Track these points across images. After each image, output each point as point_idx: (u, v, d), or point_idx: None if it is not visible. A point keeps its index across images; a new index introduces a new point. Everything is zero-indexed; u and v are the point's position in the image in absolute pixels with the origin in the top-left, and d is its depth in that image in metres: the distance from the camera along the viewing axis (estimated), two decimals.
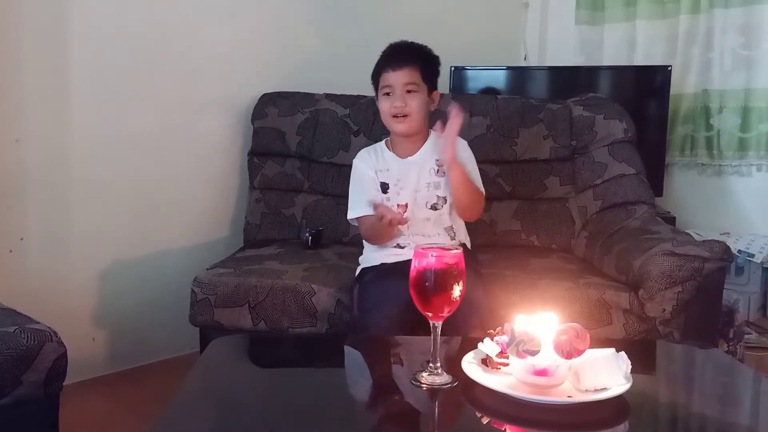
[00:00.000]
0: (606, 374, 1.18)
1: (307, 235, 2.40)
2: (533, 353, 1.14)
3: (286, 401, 1.24)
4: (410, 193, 1.94)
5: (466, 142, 2.03)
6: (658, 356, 1.66)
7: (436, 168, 1.95)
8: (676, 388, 1.43)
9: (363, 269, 1.97)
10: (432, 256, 1.21)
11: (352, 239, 2.42)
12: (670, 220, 2.73)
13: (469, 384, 1.20)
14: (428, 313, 1.23)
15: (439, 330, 1.24)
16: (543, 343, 1.14)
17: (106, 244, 2.42)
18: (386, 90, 1.91)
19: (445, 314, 1.24)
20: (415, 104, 1.90)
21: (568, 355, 1.14)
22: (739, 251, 2.96)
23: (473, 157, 2.01)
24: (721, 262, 1.98)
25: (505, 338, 1.22)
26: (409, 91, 1.89)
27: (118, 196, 2.43)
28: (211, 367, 1.43)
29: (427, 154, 1.97)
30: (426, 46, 1.98)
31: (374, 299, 1.81)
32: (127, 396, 2.30)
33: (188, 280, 2.06)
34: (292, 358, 1.58)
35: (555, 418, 1.15)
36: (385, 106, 1.92)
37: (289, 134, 2.59)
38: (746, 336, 2.98)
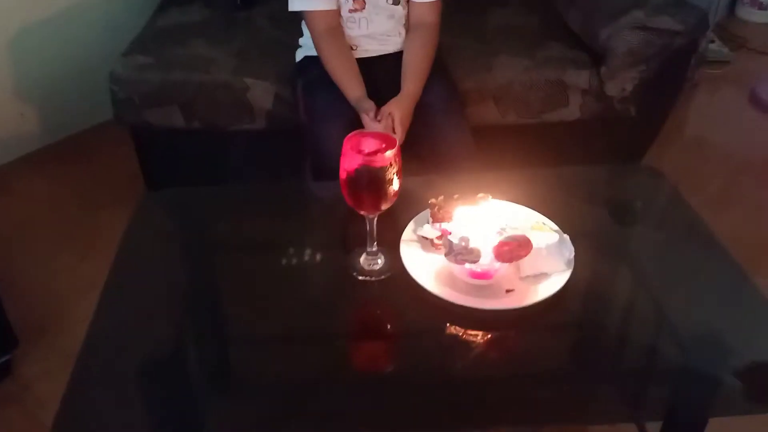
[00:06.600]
0: (547, 260, 1.14)
1: None
2: (473, 263, 1.08)
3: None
4: None
5: None
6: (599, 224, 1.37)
7: None
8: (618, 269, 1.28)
9: (306, 57, 1.74)
10: (364, 153, 1.06)
11: None
12: None
13: (406, 276, 1.15)
14: (362, 212, 1.14)
15: (374, 222, 1.15)
16: (483, 253, 1.08)
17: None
18: None
19: (383, 208, 1.14)
20: None
21: (510, 260, 1.09)
22: None
23: None
24: (693, 34, 1.81)
25: (446, 225, 1.16)
26: None
27: None
28: (147, 226, 1.33)
29: None
30: None
31: (324, 107, 1.64)
32: (61, 174, 2.23)
33: (109, 35, 1.82)
34: (235, 210, 1.40)
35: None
36: None
37: None
38: (709, 46, 2.87)
